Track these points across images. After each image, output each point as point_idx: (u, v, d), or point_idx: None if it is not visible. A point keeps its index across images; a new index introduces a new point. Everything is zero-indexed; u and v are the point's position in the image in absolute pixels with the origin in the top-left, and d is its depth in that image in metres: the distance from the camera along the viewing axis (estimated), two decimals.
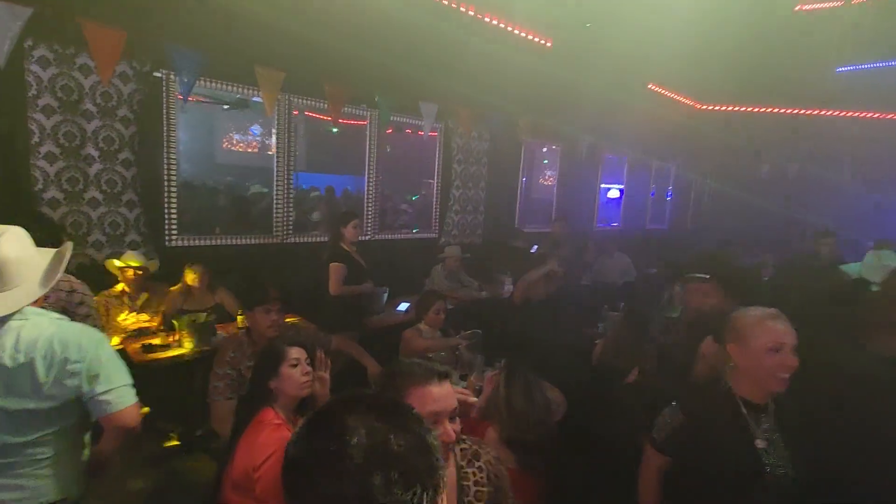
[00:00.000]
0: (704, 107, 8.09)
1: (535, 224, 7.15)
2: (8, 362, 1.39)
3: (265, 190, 7.24)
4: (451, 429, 1.25)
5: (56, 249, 1.60)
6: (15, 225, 1.53)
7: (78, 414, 1.54)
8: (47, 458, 1.49)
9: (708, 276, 2.35)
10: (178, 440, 3.32)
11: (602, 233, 7.72)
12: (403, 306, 4.32)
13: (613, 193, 8.79)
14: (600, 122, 6.88)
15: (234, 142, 9.87)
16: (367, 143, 5.22)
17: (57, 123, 3.39)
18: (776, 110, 7.79)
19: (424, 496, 0.66)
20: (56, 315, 1.55)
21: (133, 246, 3.74)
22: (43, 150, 3.36)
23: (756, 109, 7.89)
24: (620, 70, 6.11)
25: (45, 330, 1.46)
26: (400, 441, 0.69)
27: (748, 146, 8.37)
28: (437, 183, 5.93)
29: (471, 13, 4.93)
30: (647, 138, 7.85)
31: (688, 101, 7.90)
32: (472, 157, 6.10)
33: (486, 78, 5.37)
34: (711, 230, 8.86)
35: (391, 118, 5.09)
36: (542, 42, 5.63)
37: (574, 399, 2.60)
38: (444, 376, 1.29)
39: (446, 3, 4.73)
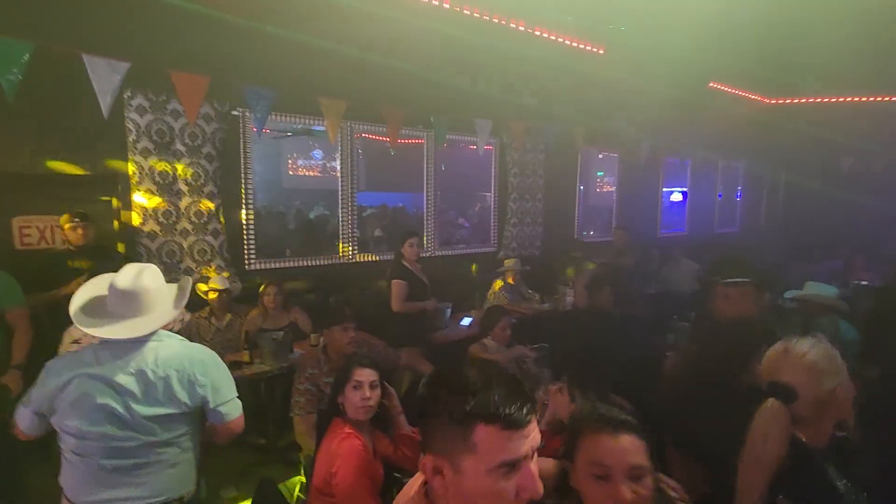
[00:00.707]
0: (774, 101, 7.63)
1: (596, 233, 7.01)
2: (149, 375, 1.64)
3: (327, 212, 7.65)
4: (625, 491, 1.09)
5: (178, 283, 1.87)
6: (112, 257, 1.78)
7: (198, 421, 1.77)
8: (172, 458, 1.71)
9: (747, 280, 2.20)
10: (264, 452, 3.56)
11: (667, 239, 7.45)
12: (466, 321, 4.39)
13: (676, 197, 8.46)
14: (659, 125, 6.68)
15: (299, 167, 10.42)
16: (425, 161, 5.38)
17: (153, 163, 3.79)
18: (860, 99, 7.20)
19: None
20: (179, 337, 1.80)
21: (218, 271, 4.08)
22: (142, 187, 3.77)
23: (835, 99, 7.34)
24: (679, 70, 5.92)
25: (176, 349, 1.72)
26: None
27: (829, 138, 7.78)
28: (493, 196, 5.99)
29: (521, 28, 5.00)
30: (711, 138, 7.51)
31: (755, 97, 7.50)
32: (528, 168, 6.12)
33: (540, 90, 5.40)
34: (789, 230, 8.29)
35: (447, 136, 5.22)
36: (595, 49, 5.59)
37: (645, 413, 2.54)
38: (621, 426, 1.17)
39: (496, 20, 4.83)
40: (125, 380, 1.61)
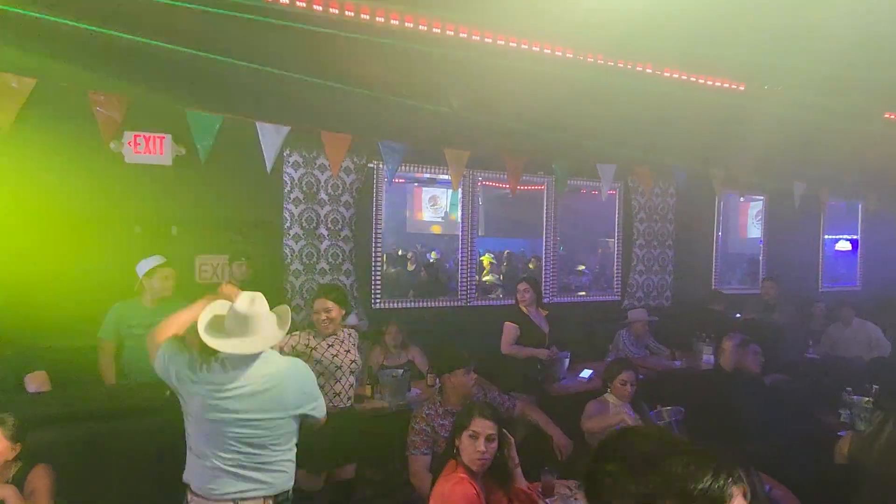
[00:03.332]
0: None
1: (736, 284, 6.26)
2: (260, 386, 1.92)
3: (438, 257, 8.00)
4: None
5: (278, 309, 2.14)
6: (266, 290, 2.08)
7: (297, 423, 2.05)
8: (284, 456, 2.00)
9: None
10: (380, 486, 3.64)
11: (832, 295, 6.35)
12: (587, 373, 4.14)
13: (843, 246, 7.24)
14: (818, 165, 5.87)
15: (422, 213, 11.09)
16: (545, 207, 5.36)
17: (301, 211, 4.33)
18: None
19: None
20: (278, 353, 2.11)
21: (348, 309, 4.42)
22: (291, 232, 4.31)
23: None
24: (843, 99, 5.21)
25: (282, 363, 2.04)
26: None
27: None
28: (617, 243, 5.71)
29: (648, 71, 4.86)
30: (887, 177, 6.37)
31: None
32: (656, 213, 5.75)
33: (669, 131, 5.12)
34: None
35: (568, 181, 5.16)
36: (734, 87, 5.19)
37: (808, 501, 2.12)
38: None
39: (622, 65, 4.76)
40: (242, 388, 1.88)
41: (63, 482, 2.08)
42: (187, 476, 1.95)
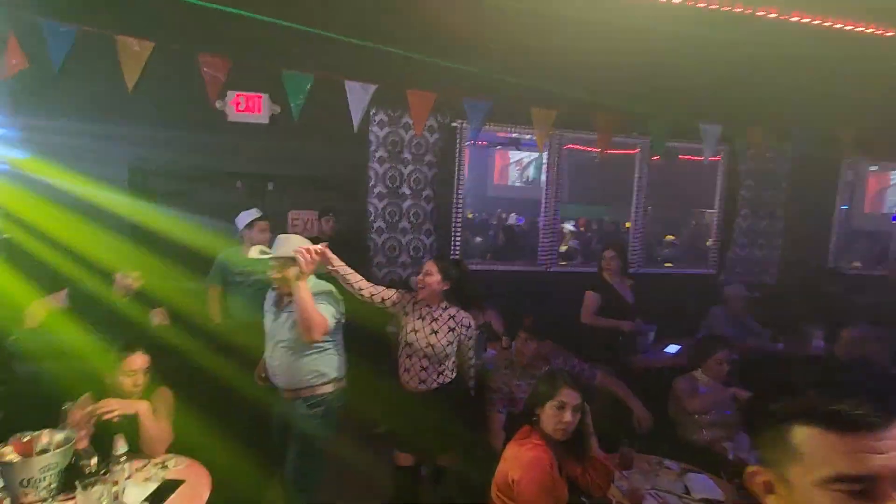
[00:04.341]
0: None
1: (859, 264, 5.52)
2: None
3: (518, 222, 7.82)
4: None
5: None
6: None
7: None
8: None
9: None
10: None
11: None
12: (673, 348, 3.90)
13: None
14: None
15: (503, 177, 10.91)
16: (637, 171, 5.01)
17: (385, 170, 4.40)
18: None
19: None
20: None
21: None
22: (375, 190, 4.41)
23: None
24: None
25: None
26: None
27: None
28: (718, 213, 5.22)
29: (772, 16, 4.25)
30: None
31: None
32: (767, 181, 5.16)
33: (791, 87, 4.51)
34: None
35: (665, 143, 4.75)
36: (878, 32, 4.41)
37: None
38: None
39: (740, 10, 4.21)
40: None
41: (177, 404, 2.36)
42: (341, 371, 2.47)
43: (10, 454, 1.83)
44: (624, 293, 3.84)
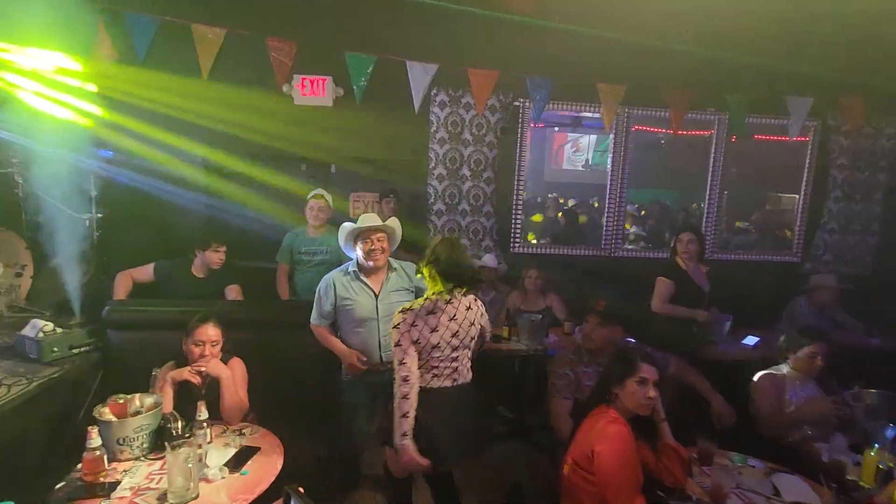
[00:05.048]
0: None
1: None
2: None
3: (575, 206, 7.59)
4: None
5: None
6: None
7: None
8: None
9: None
10: (511, 425, 3.73)
11: None
12: (752, 340, 3.63)
13: None
14: None
15: (561, 160, 10.55)
16: (713, 150, 4.68)
17: (446, 151, 4.36)
18: None
19: None
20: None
21: (487, 250, 4.44)
22: (436, 172, 4.38)
23: None
24: None
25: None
26: None
27: None
28: (802, 196, 4.79)
29: None
30: None
31: None
32: (865, 160, 4.66)
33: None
34: None
35: (746, 119, 4.37)
36: None
37: None
38: None
39: None
40: None
41: (250, 374, 2.47)
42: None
43: (108, 414, 1.98)
44: (699, 280, 3.61)
